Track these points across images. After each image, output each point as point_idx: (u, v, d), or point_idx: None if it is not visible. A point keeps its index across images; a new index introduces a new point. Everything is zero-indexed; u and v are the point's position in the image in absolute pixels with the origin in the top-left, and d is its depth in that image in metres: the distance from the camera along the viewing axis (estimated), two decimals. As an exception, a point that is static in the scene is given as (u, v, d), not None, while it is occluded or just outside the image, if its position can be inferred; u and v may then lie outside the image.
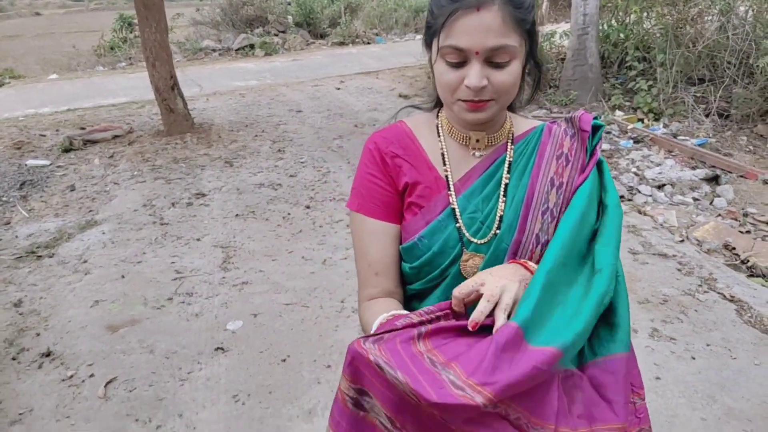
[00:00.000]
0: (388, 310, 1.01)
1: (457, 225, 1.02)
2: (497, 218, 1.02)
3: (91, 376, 2.81)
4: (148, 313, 3.30)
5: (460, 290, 0.91)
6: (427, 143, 1.08)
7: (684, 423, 2.29)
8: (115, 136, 6.85)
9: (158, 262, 3.88)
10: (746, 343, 2.78)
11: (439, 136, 1.09)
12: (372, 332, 0.93)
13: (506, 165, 1.05)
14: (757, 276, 3.42)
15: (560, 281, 0.91)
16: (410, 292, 1.10)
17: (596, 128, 1.05)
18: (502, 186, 1.04)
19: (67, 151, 6.46)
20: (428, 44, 1.02)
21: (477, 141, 1.06)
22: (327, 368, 2.77)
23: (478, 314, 0.87)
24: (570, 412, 0.86)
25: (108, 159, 6.15)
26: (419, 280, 1.06)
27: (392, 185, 1.07)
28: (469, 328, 0.87)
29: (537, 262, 0.97)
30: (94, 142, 6.71)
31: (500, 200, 1.03)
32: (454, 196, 1.03)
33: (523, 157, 1.05)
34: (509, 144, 1.07)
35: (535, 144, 1.06)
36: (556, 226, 1.00)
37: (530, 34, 0.99)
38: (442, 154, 1.07)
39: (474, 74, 0.93)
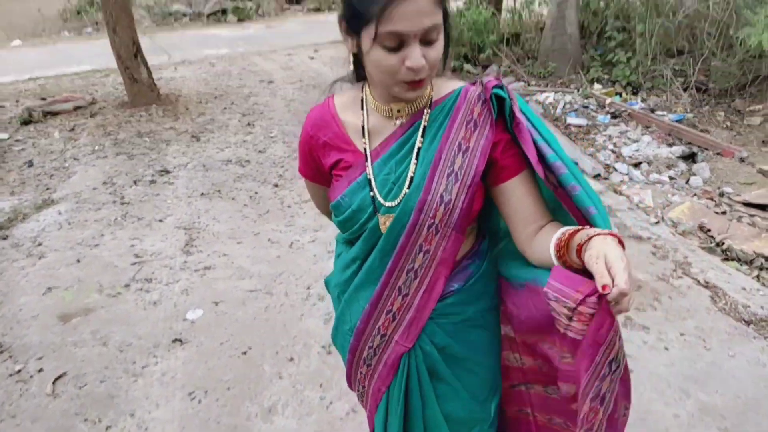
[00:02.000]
0: None
1: (371, 193, 1.14)
2: (408, 179, 1.11)
3: (40, 370, 2.66)
4: (103, 301, 3.13)
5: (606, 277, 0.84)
6: (350, 120, 1.19)
7: (657, 419, 2.23)
8: (77, 108, 6.55)
9: (117, 245, 3.70)
10: (720, 332, 2.73)
11: (362, 109, 1.18)
12: None
13: (421, 129, 1.13)
14: (732, 259, 3.36)
15: None
16: (343, 239, 1.31)
17: (499, 98, 1.10)
18: (415, 149, 1.12)
19: (26, 123, 6.16)
20: (355, 31, 1.03)
21: (398, 111, 1.14)
22: (289, 361, 2.65)
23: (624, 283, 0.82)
24: None
25: (69, 132, 5.88)
26: (346, 231, 1.22)
27: (321, 164, 1.24)
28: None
29: (440, 222, 1.10)
30: (54, 113, 6.40)
31: (412, 162, 1.11)
32: (370, 165, 1.14)
33: (436, 122, 1.12)
34: (426, 110, 1.13)
35: (449, 109, 1.12)
36: (459, 187, 1.09)
37: (445, 8, 1.04)
38: (362, 128, 1.16)
39: (416, 55, 0.99)
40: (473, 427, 1.28)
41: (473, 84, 1.15)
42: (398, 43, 0.99)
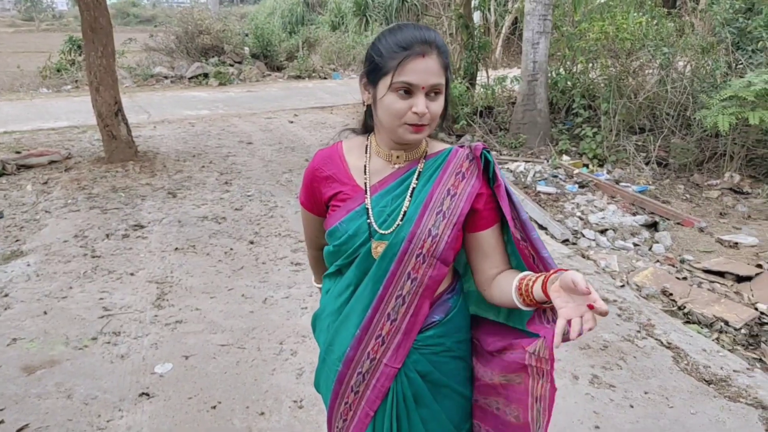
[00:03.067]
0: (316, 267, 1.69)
1: (368, 220, 1.32)
2: (402, 213, 1.31)
3: (1, 422, 2.57)
4: (69, 353, 3.07)
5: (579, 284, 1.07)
6: (353, 160, 1.41)
7: (622, 476, 2.26)
8: (52, 162, 6.56)
9: (85, 298, 3.65)
10: (683, 391, 2.80)
11: (366, 153, 1.40)
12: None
13: (416, 174, 1.35)
14: (693, 322, 3.48)
15: None
16: (334, 268, 1.43)
17: (486, 159, 1.33)
18: (410, 189, 1.33)
19: (-2, 175, 6.13)
20: (373, 82, 1.30)
21: (397, 157, 1.37)
22: (260, 416, 2.62)
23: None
24: None
25: (42, 185, 5.86)
26: (340, 257, 1.38)
27: (320, 195, 1.43)
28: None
29: (427, 252, 1.29)
30: (28, 167, 6.40)
31: (407, 199, 1.32)
32: (369, 197, 1.34)
33: (430, 170, 1.35)
34: (422, 160, 1.37)
35: (442, 161, 1.36)
36: (445, 224, 1.30)
37: (447, 76, 1.29)
38: (364, 167, 1.38)
39: (421, 103, 1.24)
40: None
41: (461, 147, 1.38)
42: (408, 93, 1.24)
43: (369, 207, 1.34)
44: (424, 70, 1.22)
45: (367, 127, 1.46)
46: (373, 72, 1.29)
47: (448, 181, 1.32)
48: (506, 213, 1.30)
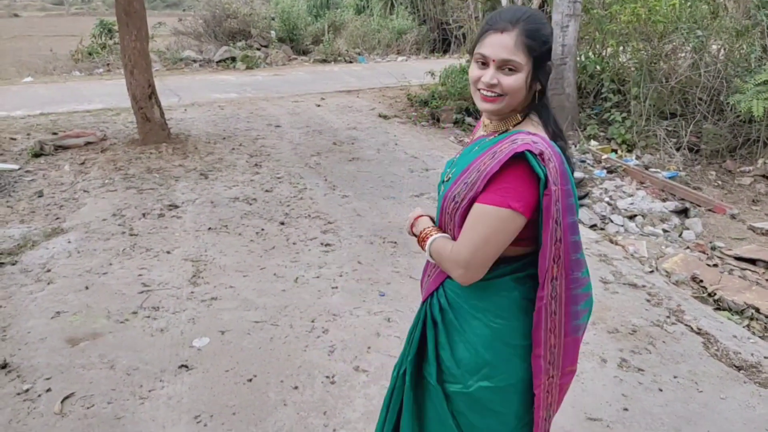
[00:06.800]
0: None
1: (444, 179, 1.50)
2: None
3: (48, 390, 2.70)
4: (111, 326, 3.20)
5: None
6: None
7: (650, 456, 2.29)
8: (88, 143, 6.72)
9: (125, 274, 3.78)
10: (712, 376, 2.81)
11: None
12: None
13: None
14: (724, 309, 3.47)
15: None
16: None
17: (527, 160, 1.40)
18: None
19: (37, 156, 6.31)
20: (471, 52, 1.44)
21: (485, 126, 1.51)
22: (294, 389, 2.71)
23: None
24: None
25: (79, 166, 6.02)
26: None
27: None
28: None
29: (451, 213, 1.40)
30: (65, 147, 6.57)
31: None
32: (457, 155, 1.54)
33: (486, 144, 1.42)
34: (495, 134, 1.44)
35: (497, 140, 1.39)
36: (464, 195, 1.35)
37: (536, 60, 1.34)
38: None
39: (489, 74, 1.35)
40: None
41: (527, 146, 1.28)
42: (484, 62, 1.36)
43: (454, 161, 1.53)
44: (498, 44, 1.32)
45: None
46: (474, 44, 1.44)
47: (485, 158, 1.34)
48: (544, 233, 1.29)
